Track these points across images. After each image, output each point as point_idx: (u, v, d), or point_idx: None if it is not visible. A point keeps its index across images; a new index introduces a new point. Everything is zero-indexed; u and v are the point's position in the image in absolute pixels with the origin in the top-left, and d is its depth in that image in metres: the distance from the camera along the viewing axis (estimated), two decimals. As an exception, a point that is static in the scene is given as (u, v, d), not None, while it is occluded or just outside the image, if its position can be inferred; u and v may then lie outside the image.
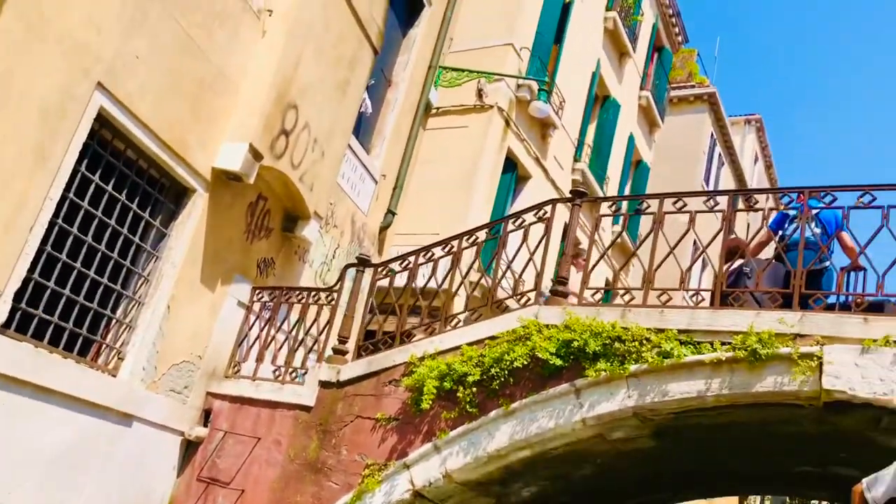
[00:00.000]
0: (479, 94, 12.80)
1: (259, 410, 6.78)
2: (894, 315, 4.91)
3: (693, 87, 25.01)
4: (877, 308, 5.29)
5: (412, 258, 6.78)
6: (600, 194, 16.66)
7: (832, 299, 5.67)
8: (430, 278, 6.67)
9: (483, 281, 7.64)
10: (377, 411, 6.19)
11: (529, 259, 6.13)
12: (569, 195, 6.27)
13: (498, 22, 13.36)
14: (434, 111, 11.46)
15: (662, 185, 22.36)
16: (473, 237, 6.53)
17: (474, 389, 5.74)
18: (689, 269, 5.69)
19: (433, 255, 6.71)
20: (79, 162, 5.39)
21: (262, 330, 7.27)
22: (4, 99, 4.77)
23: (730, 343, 5.03)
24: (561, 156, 15.30)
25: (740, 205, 5.80)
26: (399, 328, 6.56)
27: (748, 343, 4.90)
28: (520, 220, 6.33)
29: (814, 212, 6.10)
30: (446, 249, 6.64)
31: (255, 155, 6.74)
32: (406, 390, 6.09)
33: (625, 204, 7.49)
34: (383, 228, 10.25)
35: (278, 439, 6.56)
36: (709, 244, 5.66)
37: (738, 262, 6.66)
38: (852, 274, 6.20)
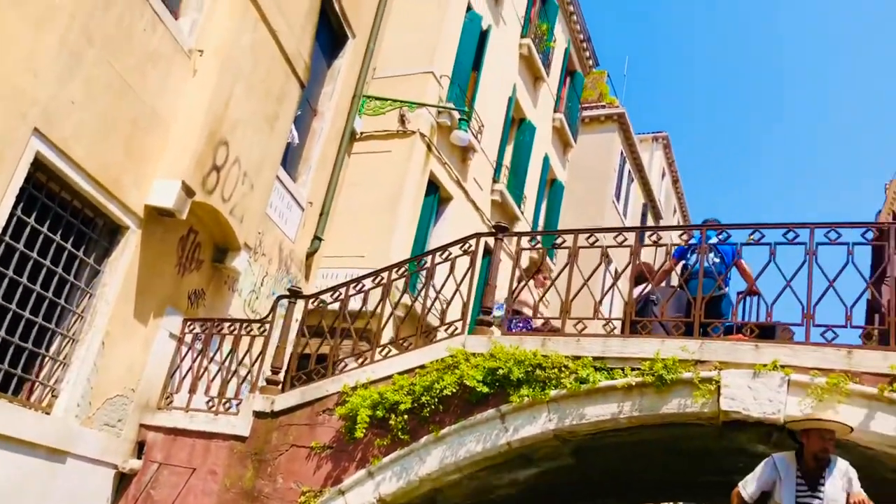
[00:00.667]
0: (402, 120, 13.17)
1: (194, 441, 6.91)
2: (782, 341, 5.50)
3: (604, 107, 26.05)
4: (768, 332, 5.91)
5: (343, 289, 7.06)
6: (518, 213, 17.31)
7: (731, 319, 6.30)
8: (362, 307, 6.98)
9: (414, 306, 7.98)
10: (312, 440, 6.44)
11: (456, 289, 6.50)
12: (492, 230, 6.69)
13: (419, 50, 13.78)
14: (358, 136, 11.75)
15: (577, 202, 23.27)
16: (403, 269, 6.87)
17: (406, 417, 6.07)
18: (601, 300, 6.17)
19: (363, 286, 7.01)
20: (15, 206, 5.48)
21: (194, 361, 7.40)
22: (-57, 147, 4.84)
23: (639, 369, 5.53)
24: (480, 177, 15.82)
25: (647, 240, 6.33)
26: (331, 359, 6.82)
27: (655, 369, 5.41)
28: (447, 253, 6.71)
29: (713, 241, 6.70)
30: (376, 281, 6.96)
31: (188, 192, 6.91)
32: (340, 419, 6.37)
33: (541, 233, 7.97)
34: (310, 254, 10.47)
35: (214, 469, 6.72)
36: (617, 277, 6.17)
37: (648, 287, 7.21)
38: (751, 298, 6.87)
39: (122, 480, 6.98)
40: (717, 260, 7.00)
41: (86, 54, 5.85)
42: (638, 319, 5.97)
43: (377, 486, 6.05)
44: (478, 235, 6.66)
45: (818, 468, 4.71)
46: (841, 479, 4.68)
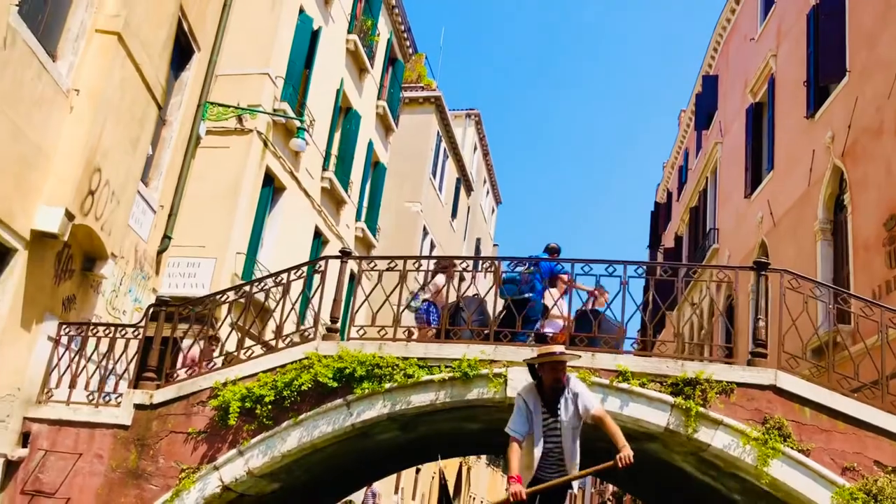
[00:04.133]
0: (240, 118, 14.26)
1: (78, 430, 8.05)
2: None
3: (422, 88, 27.94)
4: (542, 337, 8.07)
5: (210, 300, 8.42)
6: (345, 197, 18.89)
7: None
8: (226, 316, 8.39)
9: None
10: (188, 427, 7.84)
11: (309, 302, 8.09)
12: (339, 253, 8.29)
13: (256, 52, 14.84)
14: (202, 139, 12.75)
15: (399, 180, 25.14)
16: (263, 284, 8.35)
17: (270, 407, 7.62)
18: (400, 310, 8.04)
19: (228, 297, 8.42)
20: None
21: (71, 361, 8.46)
22: None
23: (451, 367, 7.45)
24: (311, 167, 17.20)
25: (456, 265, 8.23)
26: (202, 358, 8.19)
27: (462, 367, 7.36)
28: (300, 272, 8.25)
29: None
30: (239, 293, 8.39)
31: (69, 216, 7.93)
32: (213, 409, 7.81)
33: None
34: (160, 252, 11.52)
35: (100, 453, 7.93)
36: (436, 293, 8.05)
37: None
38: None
39: (10, 467, 8.00)
40: (532, 268, 8.89)
41: (-12, 110, 6.76)
42: (450, 329, 7.88)
43: (247, 462, 7.60)
44: (326, 258, 8.26)
45: (555, 396, 5.39)
46: (572, 401, 5.38)
